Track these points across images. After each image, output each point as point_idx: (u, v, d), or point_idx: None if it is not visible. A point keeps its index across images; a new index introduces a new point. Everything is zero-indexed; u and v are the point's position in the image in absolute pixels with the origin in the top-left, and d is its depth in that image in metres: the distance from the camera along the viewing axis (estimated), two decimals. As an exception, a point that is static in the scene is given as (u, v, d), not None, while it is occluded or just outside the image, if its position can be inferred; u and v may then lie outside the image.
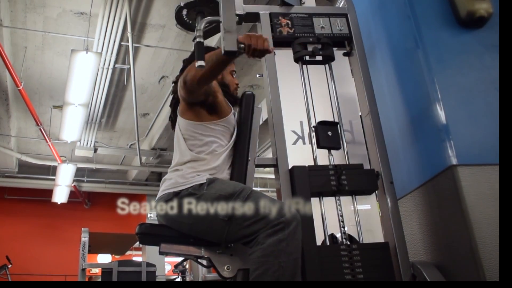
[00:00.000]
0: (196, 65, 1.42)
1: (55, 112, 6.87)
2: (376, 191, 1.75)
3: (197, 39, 1.46)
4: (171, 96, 1.86)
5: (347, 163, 1.72)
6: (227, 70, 1.86)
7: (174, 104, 1.79)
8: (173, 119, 1.80)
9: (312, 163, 1.73)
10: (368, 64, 1.91)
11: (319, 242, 1.60)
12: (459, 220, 1.59)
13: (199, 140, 1.65)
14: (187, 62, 1.87)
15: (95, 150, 7.79)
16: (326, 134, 1.70)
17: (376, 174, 1.74)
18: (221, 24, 1.43)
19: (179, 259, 6.55)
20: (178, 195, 1.54)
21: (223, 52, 1.40)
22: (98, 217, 9.92)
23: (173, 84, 1.87)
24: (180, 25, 1.90)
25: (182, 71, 1.85)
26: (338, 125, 1.73)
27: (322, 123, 1.71)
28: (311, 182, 1.60)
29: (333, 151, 1.73)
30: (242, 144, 1.70)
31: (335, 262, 1.51)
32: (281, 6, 1.97)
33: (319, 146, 1.71)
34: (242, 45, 1.42)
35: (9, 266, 7.44)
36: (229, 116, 1.71)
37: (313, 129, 1.73)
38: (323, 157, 1.74)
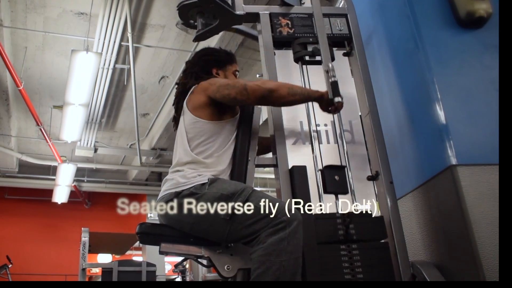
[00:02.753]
0: (335, 101, 1.59)
1: (55, 112, 6.87)
2: (376, 191, 1.75)
3: (332, 79, 1.62)
4: (171, 96, 1.86)
5: (354, 206, 1.66)
6: (230, 70, 1.87)
7: (178, 104, 1.79)
8: (176, 119, 1.80)
9: (312, 164, 1.73)
10: (368, 64, 1.91)
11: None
12: (459, 220, 1.59)
13: (202, 140, 1.65)
14: (190, 64, 1.87)
15: (95, 150, 7.79)
16: (333, 178, 1.65)
17: (376, 174, 1.74)
18: (331, 72, 1.63)
19: (179, 258, 6.55)
20: (179, 195, 1.55)
21: (330, 96, 1.60)
22: (98, 217, 9.92)
23: (176, 86, 1.87)
24: (183, 21, 1.91)
25: (184, 72, 1.86)
26: (345, 168, 1.70)
27: (329, 167, 1.67)
28: (318, 231, 1.54)
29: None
30: (242, 144, 1.70)
31: (335, 262, 1.51)
32: (281, 6, 1.98)
33: (326, 192, 1.65)
34: (340, 100, 1.60)
35: (10, 266, 7.44)
36: (237, 116, 1.72)
37: (319, 172, 1.68)
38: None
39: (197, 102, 1.68)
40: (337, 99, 1.60)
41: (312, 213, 1.56)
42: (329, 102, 1.64)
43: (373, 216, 1.63)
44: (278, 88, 1.61)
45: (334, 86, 1.61)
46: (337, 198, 1.66)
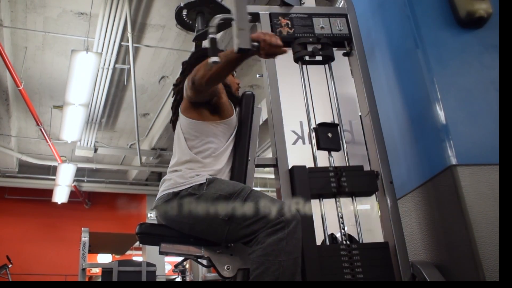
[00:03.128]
0: (211, 61, 1.39)
1: (55, 112, 6.87)
2: (376, 191, 1.75)
3: (210, 35, 1.44)
4: (171, 96, 1.86)
5: (347, 164, 1.72)
6: None
7: (176, 106, 1.79)
8: (174, 121, 1.80)
9: (311, 163, 1.73)
10: (368, 64, 1.91)
11: (319, 242, 1.60)
12: (459, 220, 1.59)
13: (199, 140, 1.65)
14: (187, 64, 1.87)
15: (95, 150, 7.79)
16: (326, 135, 1.70)
17: (376, 174, 1.74)
18: (233, 22, 1.39)
19: (179, 259, 6.55)
20: (177, 195, 1.54)
21: (236, 50, 1.37)
22: (98, 217, 9.93)
23: (173, 87, 1.87)
24: (181, 25, 1.91)
25: (182, 73, 1.85)
26: (338, 127, 1.72)
27: (322, 125, 1.71)
28: (311, 183, 1.60)
29: (333, 152, 1.73)
30: (242, 144, 1.70)
31: (335, 262, 1.51)
32: (281, 6, 1.98)
33: (319, 148, 1.71)
34: (255, 43, 1.39)
35: (10, 266, 7.44)
36: (232, 117, 1.71)
37: (313, 130, 1.73)
38: (323, 159, 1.74)
39: (185, 104, 1.70)
40: (213, 59, 1.41)
41: (312, 215, 1.57)
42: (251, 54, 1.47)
43: (364, 170, 1.67)
44: (197, 70, 1.56)
45: (209, 44, 1.46)
46: (330, 154, 1.69)
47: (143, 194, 9.83)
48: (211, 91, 1.62)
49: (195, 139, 1.65)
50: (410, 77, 1.92)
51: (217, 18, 1.50)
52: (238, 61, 1.49)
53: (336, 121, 1.84)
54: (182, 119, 1.69)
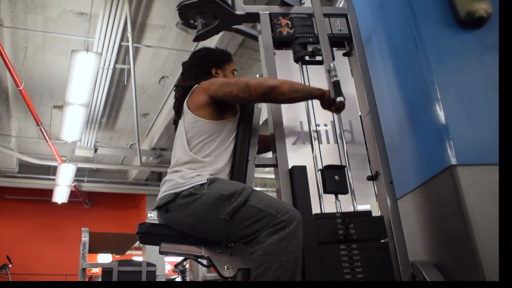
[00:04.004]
0: (338, 100, 1.61)
1: (55, 112, 6.88)
2: (376, 191, 1.75)
3: (334, 78, 1.64)
4: (171, 96, 1.86)
5: (355, 207, 1.68)
6: (229, 69, 1.87)
7: (178, 106, 1.79)
8: (176, 121, 1.80)
9: (312, 164, 1.73)
10: (368, 64, 1.91)
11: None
12: (459, 220, 1.59)
13: (202, 139, 1.64)
14: (187, 65, 1.87)
15: (95, 150, 7.80)
16: (333, 178, 1.65)
17: (376, 174, 1.74)
18: (332, 71, 1.65)
19: (179, 258, 6.55)
20: (179, 196, 1.54)
21: (332, 96, 1.62)
22: (98, 217, 9.94)
23: (175, 87, 1.87)
24: (184, 23, 1.91)
25: (183, 73, 1.85)
26: (345, 168, 1.70)
27: (328, 167, 1.67)
28: (318, 231, 1.54)
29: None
30: (242, 144, 1.70)
31: (335, 262, 1.51)
32: (281, 6, 1.98)
33: (325, 192, 1.66)
34: (342, 100, 1.62)
35: (10, 265, 7.44)
36: (237, 116, 1.72)
37: (319, 172, 1.68)
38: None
39: (198, 102, 1.68)
40: (339, 99, 1.61)
41: (312, 213, 1.57)
42: (330, 101, 1.65)
43: (373, 216, 1.63)
44: (280, 85, 1.62)
45: (336, 86, 1.62)
46: (337, 198, 1.66)
47: (143, 194, 9.83)
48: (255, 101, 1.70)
49: (197, 139, 1.65)
50: (410, 77, 1.92)
51: (333, 64, 1.68)
52: (310, 99, 1.77)
53: (336, 121, 1.84)
54: (188, 117, 1.68)
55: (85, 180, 9.37)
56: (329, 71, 1.65)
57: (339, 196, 1.67)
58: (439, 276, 1.58)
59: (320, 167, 1.72)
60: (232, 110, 1.72)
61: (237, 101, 1.67)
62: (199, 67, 1.83)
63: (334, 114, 1.82)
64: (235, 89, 1.61)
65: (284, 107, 1.80)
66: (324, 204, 1.67)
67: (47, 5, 4.76)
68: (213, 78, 1.73)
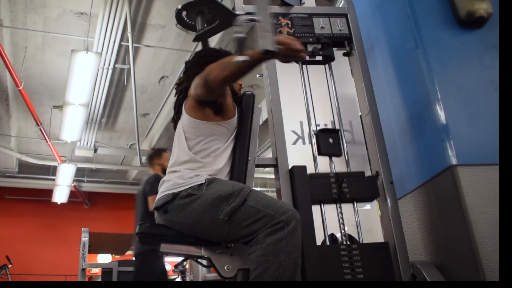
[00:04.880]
0: (239, 59, 1.40)
1: (55, 112, 6.87)
2: (378, 197, 1.74)
3: (238, 35, 1.44)
4: (171, 96, 1.86)
5: (348, 169, 1.72)
6: None
7: (178, 105, 1.79)
8: (175, 120, 1.80)
9: (312, 164, 1.73)
10: (368, 64, 1.91)
11: (319, 242, 1.60)
12: (459, 220, 1.59)
13: (200, 140, 1.64)
14: (190, 64, 1.86)
15: (95, 150, 7.79)
16: (327, 141, 1.71)
17: (376, 174, 1.74)
18: (258, 24, 1.41)
19: (179, 259, 6.55)
20: (177, 196, 1.54)
21: (261, 51, 1.37)
22: (98, 217, 9.93)
23: (176, 86, 1.87)
24: (181, 25, 1.91)
25: (185, 72, 1.85)
26: (339, 132, 1.73)
27: (323, 131, 1.72)
28: (312, 189, 1.60)
29: (333, 157, 1.73)
30: (242, 144, 1.70)
31: (335, 262, 1.51)
32: (281, 6, 1.97)
33: (320, 153, 1.71)
34: (279, 46, 1.40)
35: (9, 266, 7.44)
36: (234, 118, 1.71)
37: (314, 135, 1.73)
38: (324, 162, 1.73)
39: (190, 104, 1.70)
40: (241, 57, 1.42)
41: (312, 215, 1.57)
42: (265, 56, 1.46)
43: (365, 176, 1.65)
44: (211, 70, 1.55)
45: (237, 43, 1.46)
46: (331, 160, 1.68)
47: (143, 194, 9.81)
48: (221, 91, 1.62)
49: (196, 139, 1.65)
50: (410, 77, 1.92)
51: (242, 18, 1.49)
52: (258, 63, 1.49)
53: (336, 121, 1.84)
54: (185, 118, 1.69)
55: (85, 180, 9.37)
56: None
57: (333, 158, 1.71)
58: (439, 276, 1.58)
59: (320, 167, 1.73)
60: (229, 111, 1.71)
61: (207, 99, 1.64)
62: (200, 67, 1.82)
63: (335, 114, 1.81)
64: (198, 90, 1.62)
65: (284, 107, 1.80)
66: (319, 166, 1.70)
67: (47, 5, 4.76)
68: (193, 81, 1.70)
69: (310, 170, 1.69)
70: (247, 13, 1.94)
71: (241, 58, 1.40)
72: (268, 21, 1.40)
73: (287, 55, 1.43)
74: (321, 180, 1.62)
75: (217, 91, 1.60)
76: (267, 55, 1.40)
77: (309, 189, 1.58)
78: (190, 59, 1.91)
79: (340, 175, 1.65)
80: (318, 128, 1.75)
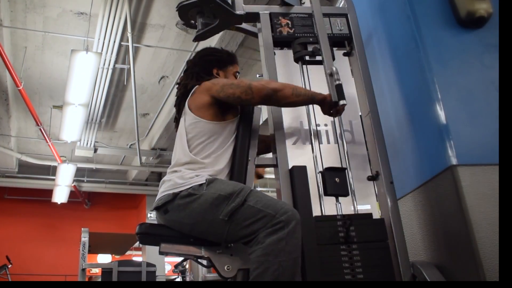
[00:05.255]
0: (341, 103, 1.61)
1: (55, 112, 6.87)
2: (376, 192, 1.75)
3: (337, 82, 1.63)
4: (171, 96, 1.86)
5: (355, 207, 1.68)
6: (231, 71, 1.86)
7: (179, 105, 1.79)
8: (177, 119, 1.79)
9: (312, 164, 1.73)
10: (368, 64, 1.91)
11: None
12: (459, 220, 1.59)
13: (203, 140, 1.64)
14: (191, 63, 1.87)
15: (95, 150, 7.79)
16: (334, 181, 1.65)
17: (376, 174, 1.74)
18: (335, 75, 1.64)
19: (179, 259, 6.55)
20: (177, 196, 1.54)
21: (334, 99, 1.62)
22: (98, 217, 9.93)
23: (177, 85, 1.87)
24: (183, 20, 1.90)
25: (186, 72, 1.85)
26: (346, 170, 1.70)
27: (329, 169, 1.66)
28: (319, 233, 1.54)
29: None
30: (242, 144, 1.69)
31: (335, 262, 1.51)
32: (281, 6, 1.97)
33: (326, 194, 1.66)
34: (345, 103, 1.62)
35: (9, 266, 7.44)
36: (236, 118, 1.72)
37: (319, 174, 1.68)
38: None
39: (199, 102, 1.68)
40: (342, 102, 1.61)
41: (312, 215, 1.56)
42: (331, 105, 1.65)
43: (373, 218, 1.63)
44: (283, 88, 1.63)
45: (339, 89, 1.62)
46: (337, 200, 1.66)
47: (143, 194, 9.82)
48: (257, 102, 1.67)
49: (198, 140, 1.64)
50: (410, 77, 1.92)
51: (335, 67, 1.67)
52: (312, 103, 1.75)
53: (337, 121, 1.84)
54: (190, 117, 1.68)
55: (85, 180, 9.37)
56: (331, 75, 1.65)
57: (340, 198, 1.67)
58: (440, 276, 1.58)
59: (320, 167, 1.72)
60: (233, 111, 1.72)
61: (239, 102, 1.67)
62: (201, 66, 1.83)
63: (336, 117, 1.81)
64: (238, 91, 1.61)
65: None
66: (325, 205, 1.67)
67: (46, 5, 4.76)
68: (215, 79, 1.73)
69: (311, 171, 1.67)
70: (247, 13, 1.94)
71: (342, 102, 1.62)
72: (337, 73, 1.66)
73: (338, 112, 1.71)
74: (328, 223, 1.57)
75: (253, 102, 1.65)
76: (332, 107, 1.67)
77: (316, 237, 1.52)
78: (191, 58, 1.91)
79: (347, 218, 1.58)
80: (324, 168, 1.70)
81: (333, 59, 1.88)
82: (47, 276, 8.65)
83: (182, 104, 1.76)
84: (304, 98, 1.66)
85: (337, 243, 1.54)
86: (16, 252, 8.54)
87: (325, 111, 1.71)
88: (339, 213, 1.62)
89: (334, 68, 1.66)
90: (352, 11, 2.00)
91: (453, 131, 1.68)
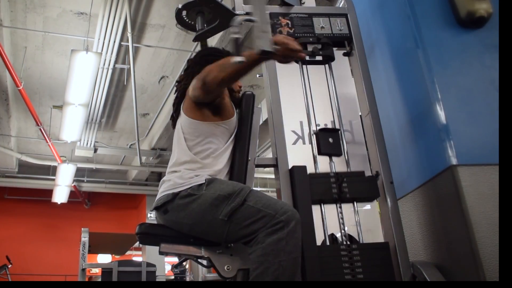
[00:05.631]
0: (236, 60, 1.39)
1: (55, 112, 6.87)
2: (378, 197, 1.74)
3: (234, 35, 1.41)
4: (171, 96, 1.86)
5: (348, 169, 1.72)
6: None
7: (177, 103, 1.79)
8: (174, 118, 1.79)
9: (312, 164, 1.73)
10: (368, 64, 1.91)
11: (319, 242, 1.60)
12: (459, 220, 1.59)
13: (199, 140, 1.64)
14: (192, 62, 1.86)
15: (95, 150, 7.80)
16: (327, 140, 1.70)
17: (376, 174, 1.74)
18: (255, 24, 1.38)
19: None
20: (177, 196, 1.54)
21: (258, 51, 1.35)
22: (98, 217, 9.93)
23: (176, 84, 1.87)
24: (181, 25, 1.91)
25: (186, 70, 1.85)
26: (339, 132, 1.73)
27: (323, 130, 1.71)
28: (312, 189, 1.60)
29: (334, 157, 1.72)
30: (242, 144, 1.70)
31: (335, 262, 1.51)
32: (281, 6, 1.97)
33: (320, 153, 1.71)
34: (277, 46, 1.38)
35: (9, 266, 7.44)
36: (233, 118, 1.71)
37: (314, 135, 1.72)
38: (324, 162, 1.73)
39: (188, 104, 1.69)
40: (238, 58, 1.40)
41: (312, 215, 1.57)
42: (262, 55, 1.42)
43: (365, 176, 1.65)
44: (208, 72, 1.54)
45: (233, 44, 1.44)
46: (331, 160, 1.68)
47: (143, 194, 9.83)
48: (218, 93, 1.61)
49: (195, 139, 1.65)
50: (410, 77, 1.92)
51: (239, 18, 1.46)
52: (256, 63, 1.47)
53: (337, 121, 1.84)
54: (183, 118, 1.69)
55: (85, 180, 9.37)
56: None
57: (333, 158, 1.70)
58: (440, 276, 1.58)
59: (319, 168, 1.72)
60: (227, 111, 1.70)
61: (204, 101, 1.64)
62: (201, 66, 1.82)
63: (335, 114, 1.81)
64: (196, 92, 1.61)
65: (284, 107, 1.80)
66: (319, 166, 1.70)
67: (46, 5, 4.76)
68: (192, 81, 1.70)
69: (310, 169, 1.68)
70: (246, 13, 1.94)
71: (238, 59, 1.38)
72: (264, 21, 1.38)
73: (285, 55, 1.41)
74: (321, 179, 1.62)
75: (214, 93, 1.60)
76: (265, 55, 1.38)
77: (309, 189, 1.57)
78: (192, 57, 1.91)
79: (340, 174, 1.64)
80: (318, 128, 1.74)
81: (333, 59, 1.88)
82: (47, 276, 8.65)
83: (179, 104, 1.76)
84: (233, 67, 1.47)
85: (330, 200, 1.62)
86: (16, 252, 8.54)
87: (281, 61, 1.48)
88: (332, 171, 1.65)
89: (238, 19, 1.45)
90: (352, 11, 2.00)
91: (453, 131, 1.68)
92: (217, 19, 1.89)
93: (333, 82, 1.87)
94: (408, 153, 1.95)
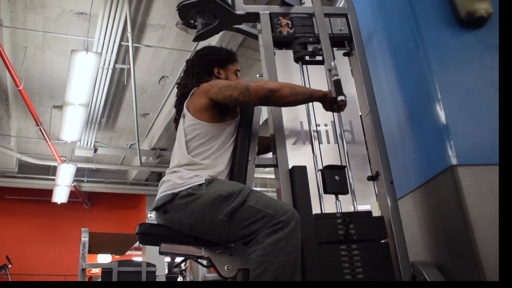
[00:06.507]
0: (338, 99, 1.62)
1: (55, 112, 6.88)
2: (376, 192, 1.75)
3: (335, 77, 1.65)
4: (171, 96, 1.86)
5: (355, 207, 1.68)
6: (232, 69, 1.86)
7: (179, 105, 1.78)
8: (177, 120, 1.79)
9: (312, 164, 1.73)
10: (368, 64, 1.91)
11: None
12: (459, 220, 1.59)
13: (202, 142, 1.64)
14: (191, 62, 1.86)
15: (95, 150, 7.80)
16: (334, 178, 1.65)
17: (376, 174, 1.74)
18: (333, 70, 1.65)
19: (179, 259, 6.54)
20: (177, 196, 1.54)
21: (333, 95, 1.63)
22: (98, 217, 9.94)
23: (177, 85, 1.86)
24: (184, 23, 1.91)
25: (186, 71, 1.85)
26: (346, 168, 1.70)
27: (329, 167, 1.66)
28: (318, 231, 1.54)
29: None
30: (242, 144, 1.69)
31: (335, 262, 1.51)
32: (281, 6, 1.97)
33: (326, 192, 1.65)
34: (344, 98, 1.63)
35: (9, 266, 7.44)
36: (237, 118, 1.72)
37: (319, 172, 1.68)
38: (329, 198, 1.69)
39: (198, 105, 1.67)
40: (340, 97, 1.62)
41: (312, 213, 1.56)
42: (332, 101, 1.64)
43: (373, 216, 1.63)
44: (281, 88, 1.61)
45: (337, 85, 1.62)
46: (337, 198, 1.65)
47: (143, 194, 9.83)
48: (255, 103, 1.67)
49: (197, 141, 1.64)
50: (410, 77, 1.92)
51: (334, 63, 1.68)
52: (312, 101, 1.73)
53: (337, 121, 1.84)
54: (188, 119, 1.68)
55: (85, 180, 9.37)
56: (329, 70, 1.65)
57: (340, 196, 1.67)
58: (440, 276, 1.58)
59: (320, 167, 1.72)
60: (232, 113, 1.71)
61: (237, 104, 1.66)
62: (201, 65, 1.82)
63: (335, 114, 1.81)
64: (235, 93, 1.60)
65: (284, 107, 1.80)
66: (324, 204, 1.67)
67: (46, 5, 4.76)
68: (214, 80, 1.72)
69: (310, 165, 1.67)
70: (247, 13, 1.94)
71: (339, 98, 1.62)
72: (336, 68, 1.67)
73: (339, 106, 1.68)
74: (327, 221, 1.56)
75: (252, 103, 1.64)
76: (333, 103, 1.66)
77: (316, 235, 1.52)
78: (191, 58, 1.91)
79: (347, 215, 1.58)
80: (324, 166, 1.69)
81: (333, 58, 1.88)
82: (47, 276, 8.66)
83: (181, 105, 1.75)
84: (303, 97, 1.65)
85: (336, 242, 1.54)
86: (16, 252, 8.55)
87: (327, 108, 1.70)
88: (338, 211, 1.62)
89: (332, 64, 1.66)
90: (352, 11, 2.00)
91: (453, 131, 1.68)
92: (217, 19, 1.90)
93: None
94: (408, 153, 1.95)
